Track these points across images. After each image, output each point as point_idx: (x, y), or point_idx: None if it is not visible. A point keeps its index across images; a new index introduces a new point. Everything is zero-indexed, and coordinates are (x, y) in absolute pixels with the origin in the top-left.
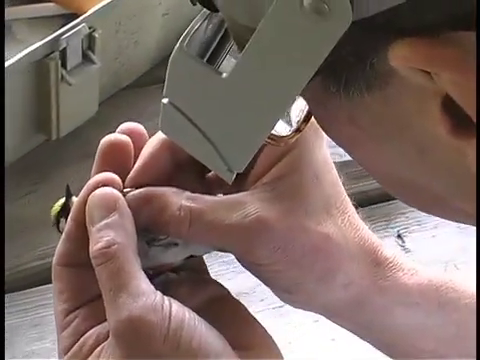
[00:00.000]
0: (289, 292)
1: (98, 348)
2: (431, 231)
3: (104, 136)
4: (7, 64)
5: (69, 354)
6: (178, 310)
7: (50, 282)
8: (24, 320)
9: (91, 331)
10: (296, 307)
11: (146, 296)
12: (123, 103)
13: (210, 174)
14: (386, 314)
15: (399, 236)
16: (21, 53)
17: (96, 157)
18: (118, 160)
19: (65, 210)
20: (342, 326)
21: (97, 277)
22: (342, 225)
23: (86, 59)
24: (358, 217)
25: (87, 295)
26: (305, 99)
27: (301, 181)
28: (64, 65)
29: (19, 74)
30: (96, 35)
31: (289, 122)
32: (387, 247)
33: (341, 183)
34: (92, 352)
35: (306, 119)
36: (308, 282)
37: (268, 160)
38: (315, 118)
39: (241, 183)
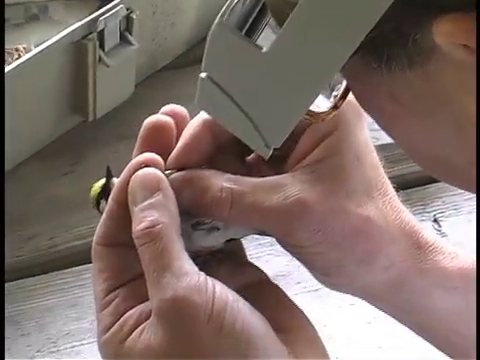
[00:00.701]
0: (329, 274)
1: (139, 328)
2: (467, 216)
3: (140, 117)
4: (46, 44)
5: (109, 333)
6: (222, 291)
7: (87, 262)
8: (61, 300)
9: (132, 311)
10: (335, 290)
11: (190, 276)
12: (159, 84)
13: (250, 157)
14: (425, 297)
15: (435, 220)
16: (59, 34)
17: (138, 138)
18: (160, 142)
19: (105, 191)
20: (381, 309)
21: (140, 257)
22: (383, 207)
23: (124, 40)
24: (398, 200)
25: (128, 275)
26: (345, 75)
27: (342, 163)
28: (102, 46)
29: (57, 55)
30: (134, 16)
31: (329, 98)
32: (427, 231)
33: (381, 166)
34: (133, 332)
35: (343, 96)
36: (348, 264)
37: (308, 143)
38: (354, 95)
39: (281, 166)
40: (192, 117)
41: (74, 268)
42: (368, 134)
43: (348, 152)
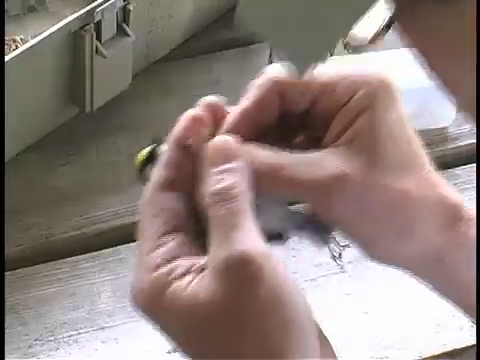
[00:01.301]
0: (368, 247)
1: (188, 277)
2: None
3: (137, 108)
4: (43, 36)
5: (156, 273)
6: (285, 268)
7: (84, 252)
8: (59, 290)
9: (184, 260)
10: (378, 262)
11: (260, 242)
12: (156, 76)
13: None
14: (465, 271)
15: None
16: (56, 25)
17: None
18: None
19: (152, 158)
20: (425, 282)
21: (210, 214)
22: (420, 181)
23: (120, 32)
24: (437, 174)
25: (184, 221)
26: (393, 2)
27: (376, 140)
28: (99, 37)
29: (54, 46)
30: (130, 8)
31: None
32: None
33: (419, 142)
34: (181, 280)
35: (387, 27)
36: (386, 237)
37: (342, 123)
38: (401, 27)
39: (317, 145)
40: (186, 109)
41: (71, 258)
42: (403, 111)
43: (381, 129)
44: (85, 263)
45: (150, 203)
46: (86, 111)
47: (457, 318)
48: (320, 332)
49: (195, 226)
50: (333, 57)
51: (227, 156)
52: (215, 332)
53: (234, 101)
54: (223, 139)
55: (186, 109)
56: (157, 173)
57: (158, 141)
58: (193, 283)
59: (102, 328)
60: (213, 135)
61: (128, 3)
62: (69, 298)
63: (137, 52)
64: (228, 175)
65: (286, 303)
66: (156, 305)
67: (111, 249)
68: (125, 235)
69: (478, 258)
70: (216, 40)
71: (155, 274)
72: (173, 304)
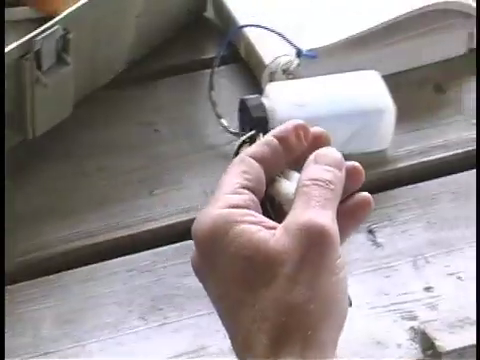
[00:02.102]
0: None
1: (257, 226)
2: (401, 226)
3: (80, 136)
4: None
5: (231, 210)
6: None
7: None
8: None
9: (257, 216)
10: None
11: (337, 227)
12: (98, 103)
13: None
14: None
15: (370, 231)
16: None
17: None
18: None
19: (252, 141)
20: None
21: (304, 190)
22: None
23: (60, 60)
24: None
25: (261, 192)
26: None
27: None
28: (39, 66)
29: None
30: (70, 36)
31: None
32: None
33: None
34: (250, 224)
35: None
36: None
37: None
38: None
39: None
40: (129, 135)
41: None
42: None
43: None
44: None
45: (242, 162)
46: (28, 138)
47: (394, 335)
48: None
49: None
50: (270, 83)
51: (337, 161)
52: (278, 275)
53: (177, 126)
54: (335, 150)
55: (129, 135)
56: (255, 146)
57: (260, 130)
58: (264, 231)
59: (45, 353)
60: None
61: (68, 32)
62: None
63: (80, 79)
64: (334, 173)
65: (342, 279)
66: (220, 236)
67: (55, 275)
68: (71, 261)
69: (478, 260)
70: (157, 67)
71: (229, 210)
72: (239, 239)
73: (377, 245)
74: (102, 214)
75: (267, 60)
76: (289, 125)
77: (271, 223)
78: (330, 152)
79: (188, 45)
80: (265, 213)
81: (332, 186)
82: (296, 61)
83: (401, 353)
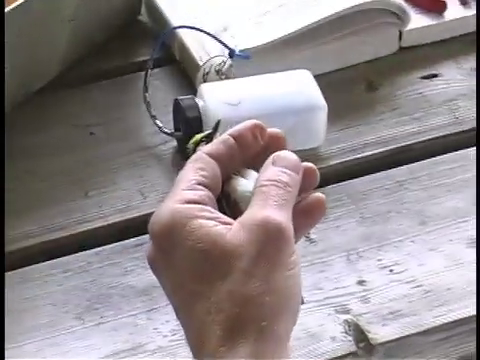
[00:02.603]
0: None
1: (213, 221)
2: (334, 222)
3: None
4: None
5: (188, 205)
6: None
7: None
8: None
9: (213, 211)
10: None
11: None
12: (33, 107)
13: None
14: None
15: None
16: None
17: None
18: None
19: (209, 140)
20: None
21: (262, 189)
22: None
23: None
24: None
25: (216, 189)
26: None
27: None
28: None
29: None
30: (5, 40)
31: None
32: None
33: None
34: (206, 219)
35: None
36: None
37: None
38: None
39: None
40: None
41: None
42: None
43: None
44: None
45: (198, 159)
46: None
47: (328, 328)
48: None
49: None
50: (203, 84)
51: (295, 164)
52: (234, 268)
53: (112, 128)
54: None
55: (65, 138)
56: (212, 145)
57: (218, 128)
58: (220, 226)
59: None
60: None
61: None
62: None
63: (14, 83)
64: (292, 176)
65: (296, 271)
66: (177, 230)
67: None
68: (6, 264)
69: (478, 257)
70: (92, 70)
71: (186, 205)
72: (196, 233)
73: (311, 241)
74: (37, 216)
75: (200, 61)
76: (246, 124)
77: (227, 219)
78: (288, 155)
79: (122, 48)
80: (221, 210)
81: (289, 188)
82: (229, 62)
83: (335, 346)
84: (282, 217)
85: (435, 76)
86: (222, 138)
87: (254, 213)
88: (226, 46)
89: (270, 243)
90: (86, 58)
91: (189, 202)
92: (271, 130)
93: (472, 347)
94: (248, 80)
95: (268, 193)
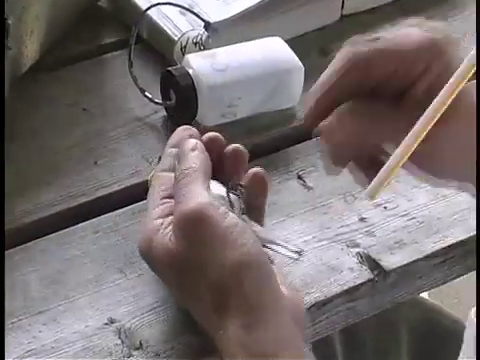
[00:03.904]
0: None
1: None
2: (324, 170)
3: (12, 123)
4: None
5: (154, 222)
6: (233, 216)
7: None
8: None
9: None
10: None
11: (207, 198)
12: (19, 92)
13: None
14: None
15: (300, 177)
16: None
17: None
18: None
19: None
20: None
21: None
22: None
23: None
24: None
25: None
26: None
27: None
28: None
29: None
30: (9, 22)
31: None
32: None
33: None
34: (167, 228)
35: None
36: None
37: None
38: None
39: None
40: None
41: None
42: None
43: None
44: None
45: (156, 181)
46: None
47: (345, 260)
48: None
49: None
50: (188, 54)
51: (183, 147)
52: (175, 272)
53: (102, 104)
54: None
55: (60, 116)
56: (163, 161)
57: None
58: (168, 235)
59: (39, 313)
60: None
61: (6, 18)
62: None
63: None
64: (187, 158)
65: (239, 239)
66: (148, 248)
67: (32, 243)
68: (39, 230)
69: (478, 263)
70: (65, 55)
71: (153, 223)
72: (156, 248)
73: (308, 188)
74: (55, 187)
75: (175, 36)
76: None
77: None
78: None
79: (88, 33)
80: None
81: (187, 171)
82: (205, 33)
83: (355, 275)
84: (192, 202)
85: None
86: (170, 151)
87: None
88: (201, 18)
89: (188, 235)
90: (56, 44)
91: (156, 219)
92: (208, 135)
93: (462, 269)
94: (227, 49)
95: (176, 186)
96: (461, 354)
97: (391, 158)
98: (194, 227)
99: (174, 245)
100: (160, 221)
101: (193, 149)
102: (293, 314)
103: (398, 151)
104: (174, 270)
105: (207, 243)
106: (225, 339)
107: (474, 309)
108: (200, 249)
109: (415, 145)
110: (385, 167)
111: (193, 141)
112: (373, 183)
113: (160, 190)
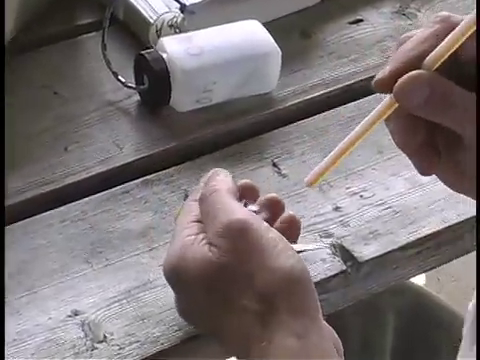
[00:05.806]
0: None
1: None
2: (300, 157)
3: None
4: None
5: (188, 237)
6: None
7: None
8: None
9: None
10: None
11: (245, 211)
12: None
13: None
14: None
15: (274, 165)
16: None
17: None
18: None
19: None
20: None
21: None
22: None
23: None
24: None
25: None
26: None
27: None
28: None
29: None
30: None
31: None
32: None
33: None
34: (201, 242)
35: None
36: None
37: None
38: None
39: None
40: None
41: None
42: None
43: None
44: None
45: (186, 206)
46: None
47: (317, 251)
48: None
49: None
50: (163, 38)
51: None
52: (213, 283)
53: (74, 87)
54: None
55: (31, 99)
56: (192, 194)
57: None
58: (206, 246)
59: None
60: None
61: None
62: None
63: None
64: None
65: (287, 252)
66: (181, 261)
67: None
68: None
69: (478, 260)
70: (39, 36)
71: (185, 240)
72: (194, 259)
73: (283, 176)
74: (23, 173)
75: (151, 19)
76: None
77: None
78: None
79: (62, 14)
80: None
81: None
82: (181, 16)
83: (327, 266)
84: (237, 213)
85: (361, 21)
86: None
87: (210, 226)
88: (177, 1)
89: (236, 243)
90: (30, 24)
91: (189, 236)
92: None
93: (438, 260)
94: (203, 32)
95: (208, 205)
96: (460, 352)
97: (336, 148)
98: (241, 236)
99: (216, 254)
100: (193, 237)
101: (218, 173)
102: (328, 330)
103: (345, 140)
104: (213, 281)
105: (255, 252)
106: (272, 349)
107: (474, 301)
108: (247, 258)
109: (367, 133)
110: (331, 155)
111: (220, 169)
112: (316, 169)
113: (189, 215)
